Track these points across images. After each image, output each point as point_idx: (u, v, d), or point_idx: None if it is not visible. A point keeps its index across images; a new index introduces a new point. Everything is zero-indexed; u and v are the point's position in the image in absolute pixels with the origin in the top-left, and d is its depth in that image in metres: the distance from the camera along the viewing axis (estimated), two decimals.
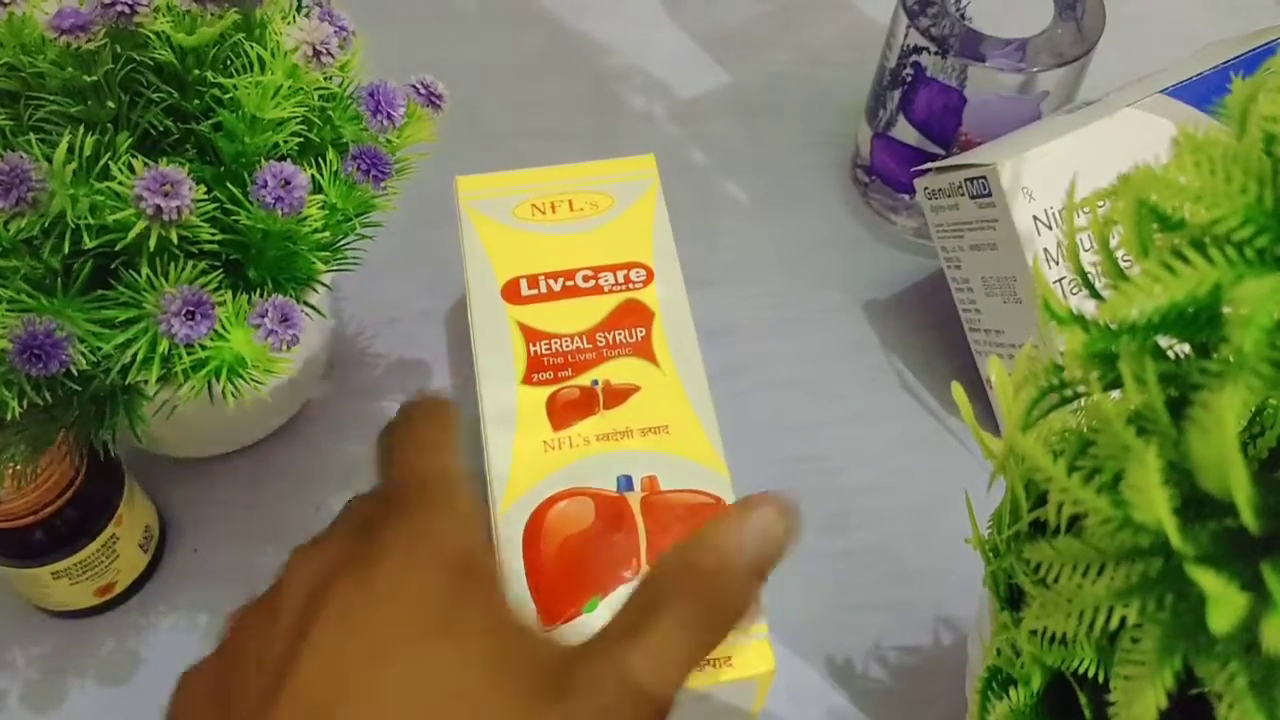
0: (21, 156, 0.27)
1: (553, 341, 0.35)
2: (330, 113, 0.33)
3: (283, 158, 0.31)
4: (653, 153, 0.42)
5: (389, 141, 0.33)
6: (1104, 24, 0.44)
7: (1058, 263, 0.39)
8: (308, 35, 0.30)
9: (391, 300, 0.46)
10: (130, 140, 0.30)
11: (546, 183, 0.40)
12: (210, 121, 0.31)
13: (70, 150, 0.28)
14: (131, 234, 0.28)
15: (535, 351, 0.35)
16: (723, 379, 0.40)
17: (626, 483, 0.32)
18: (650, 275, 0.37)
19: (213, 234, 0.30)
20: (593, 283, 0.37)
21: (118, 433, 0.33)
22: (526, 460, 0.33)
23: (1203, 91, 0.39)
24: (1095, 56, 0.44)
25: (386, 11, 0.56)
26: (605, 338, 0.36)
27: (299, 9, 0.34)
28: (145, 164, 0.28)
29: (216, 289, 0.30)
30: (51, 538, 0.35)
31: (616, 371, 0.35)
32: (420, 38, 0.56)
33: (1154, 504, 0.16)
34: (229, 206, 0.30)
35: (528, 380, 0.35)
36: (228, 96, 0.30)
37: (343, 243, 0.34)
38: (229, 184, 0.31)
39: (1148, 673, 0.18)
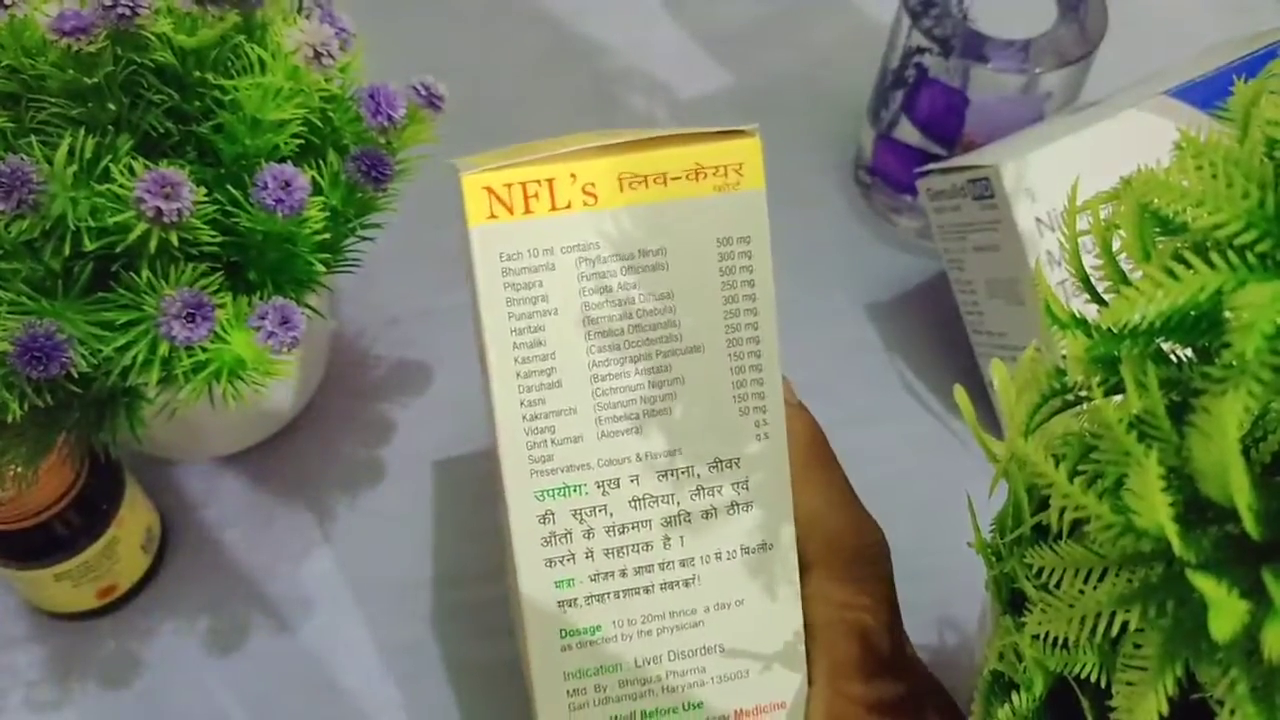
0: (22, 159, 0.27)
1: None
2: (331, 114, 0.33)
3: (283, 159, 0.31)
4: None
5: (389, 143, 0.33)
6: (1107, 25, 0.44)
7: (1060, 264, 0.39)
8: (308, 37, 0.30)
9: (391, 301, 0.46)
10: (131, 142, 0.30)
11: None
12: (211, 123, 0.31)
13: (71, 152, 0.28)
14: (132, 236, 0.28)
15: None
16: None
17: None
18: None
19: (213, 236, 0.30)
20: None
21: (118, 435, 0.33)
22: None
23: (1206, 93, 0.39)
24: (1098, 57, 0.43)
25: (386, 11, 0.56)
26: None
27: (300, 10, 0.34)
28: (146, 166, 0.28)
29: (216, 291, 0.30)
30: (53, 540, 0.35)
31: None
32: (420, 38, 0.56)
33: (1155, 510, 0.16)
34: (229, 209, 0.30)
35: None
36: (228, 98, 0.30)
37: (343, 244, 0.34)
38: (229, 186, 0.31)
39: (1149, 678, 0.18)
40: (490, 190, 0.23)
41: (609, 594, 0.25)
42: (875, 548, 0.26)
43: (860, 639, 0.25)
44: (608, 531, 0.24)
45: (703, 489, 0.25)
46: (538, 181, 0.23)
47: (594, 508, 0.24)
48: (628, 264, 0.24)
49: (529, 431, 0.24)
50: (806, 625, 0.26)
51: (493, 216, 0.23)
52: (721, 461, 0.25)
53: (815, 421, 0.27)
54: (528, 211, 0.23)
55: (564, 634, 0.25)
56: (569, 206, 0.23)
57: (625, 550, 0.25)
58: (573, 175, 0.23)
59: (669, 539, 0.25)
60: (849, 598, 0.26)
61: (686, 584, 0.25)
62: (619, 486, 0.24)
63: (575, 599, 0.24)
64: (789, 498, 0.25)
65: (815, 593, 0.26)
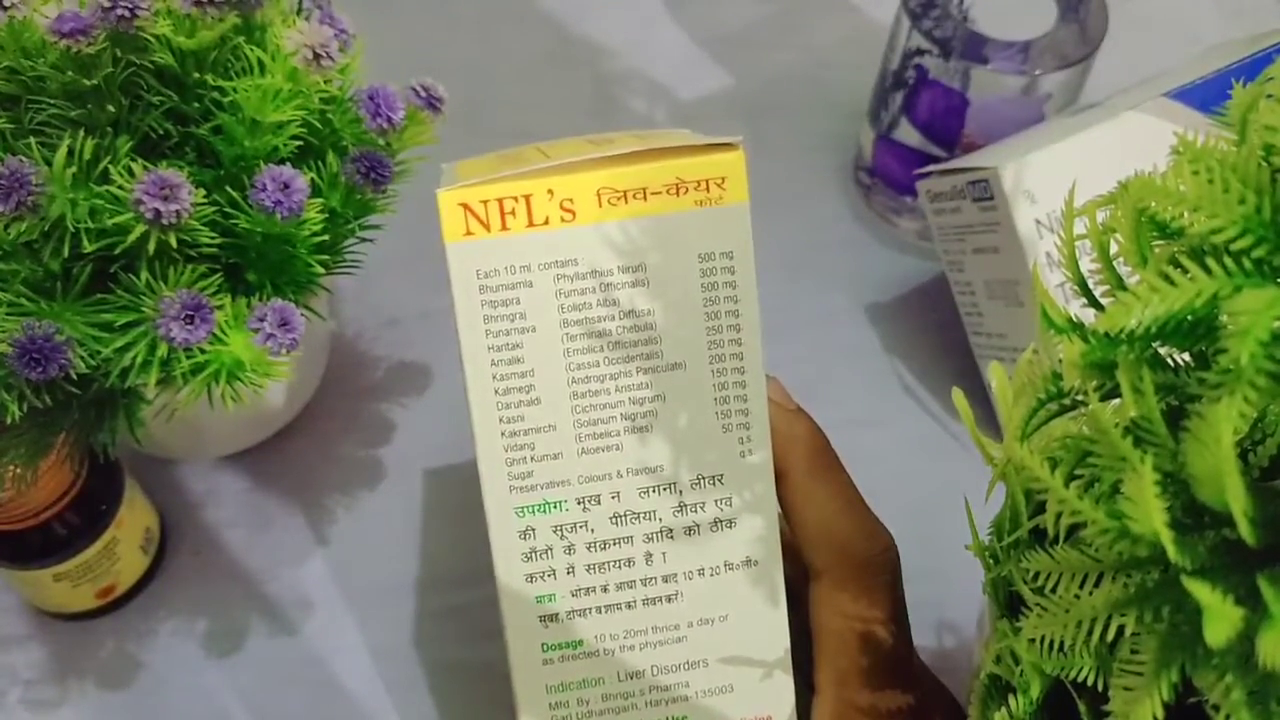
0: (22, 160, 0.27)
1: None
2: (330, 116, 0.33)
3: (282, 161, 0.31)
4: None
5: (389, 145, 0.33)
6: (1107, 26, 0.44)
7: (1060, 266, 0.39)
8: (308, 38, 0.30)
9: (391, 301, 0.46)
10: (130, 144, 0.30)
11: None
12: (210, 125, 0.31)
13: (70, 154, 0.28)
14: (131, 238, 0.28)
15: None
16: None
17: None
18: None
19: (212, 238, 0.30)
20: None
21: (117, 435, 0.33)
22: None
23: (1206, 95, 0.39)
24: (1098, 59, 0.43)
25: (386, 12, 0.56)
26: None
27: (299, 11, 0.34)
28: (145, 168, 0.28)
29: (215, 293, 0.30)
30: (52, 540, 0.35)
31: None
32: (420, 38, 0.56)
33: (1150, 516, 0.16)
34: (228, 210, 0.30)
35: None
36: (227, 100, 0.30)
37: (342, 245, 0.34)
38: (228, 187, 0.31)
39: (1145, 683, 0.18)
40: (466, 207, 0.23)
41: (591, 609, 0.25)
42: (885, 554, 0.26)
43: (868, 648, 0.25)
44: (589, 548, 0.24)
45: (685, 505, 0.25)
46: (514, 198, 0.23)
47: (575, 524, 0.24)
48: (607, 281, 0.24)
49: (508, 448, 0.24)
50: (814, 633, 0.26)
51: (469, 233, 0.23)
52: (704, 478, 0.25)
53: (817, 426, 0.26)
54: (504, 228, 0.23)
55: (546, 648, 0.24)
56: (547, 223, 0.23)
57: (607, 566, 0.24)
58: (550, 191, 0.23)
59: (651, 555, 0.25)
60: (858, 608, 0.25)
61: (669, 599, 0.25)
62: (600, 503, 0.24)
63: (557, 614, 0.24)
64: (775, 513, 0.25)
65: (824, 600, 0.25)
